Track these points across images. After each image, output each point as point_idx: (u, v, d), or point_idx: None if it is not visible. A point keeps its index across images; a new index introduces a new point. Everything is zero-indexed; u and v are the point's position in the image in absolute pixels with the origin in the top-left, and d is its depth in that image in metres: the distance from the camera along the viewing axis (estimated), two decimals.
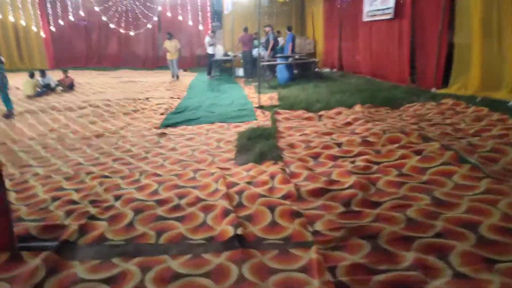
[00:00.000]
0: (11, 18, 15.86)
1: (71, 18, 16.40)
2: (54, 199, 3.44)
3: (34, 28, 16.18)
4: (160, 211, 3.10)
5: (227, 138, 5.23)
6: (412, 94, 7.52)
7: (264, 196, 3.22)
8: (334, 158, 4.08)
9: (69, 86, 10.82)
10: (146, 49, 17.63)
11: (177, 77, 12.64)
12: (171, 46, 12.43)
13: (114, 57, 17.51)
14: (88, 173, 4.06)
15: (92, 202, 3.31)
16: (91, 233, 2.78)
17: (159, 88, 10.69)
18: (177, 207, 3.16)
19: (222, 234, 2.66)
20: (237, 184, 3.55)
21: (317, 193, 3.19)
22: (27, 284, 2.15)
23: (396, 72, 9.31)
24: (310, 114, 6.25)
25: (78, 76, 13.08)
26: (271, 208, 2.98)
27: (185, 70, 15.39)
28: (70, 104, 8.42)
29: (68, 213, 3.12)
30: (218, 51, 13.63)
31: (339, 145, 4.47)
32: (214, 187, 3.53)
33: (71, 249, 2.56)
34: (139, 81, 12.45)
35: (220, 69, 13.87)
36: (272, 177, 3.59)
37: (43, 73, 10.79)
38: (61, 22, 16.54)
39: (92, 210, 3.13)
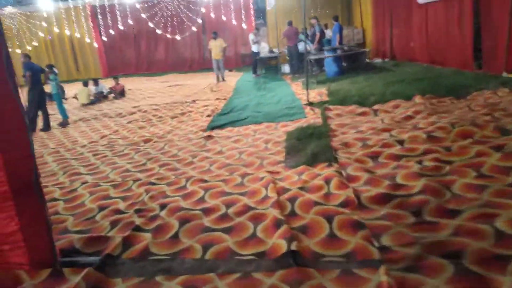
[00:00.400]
0: (67, 32, 16.78)
1: (120, 27, 16.98)
2: (101, 208, 3.35)
3: (87, 40, 16.99)
4: (206, 221, 2.88)
5: (275, 138, 4.94)
6: (479, 80, 6.73)
7: (319, 203, 2.89)
8: (397, 157, 3.63)
9: (120, 93, 11.12)
10: (192, 52, 17.81)
11: (223, 78, 12.40)
12: (216, 46, 12.17)
13: (162, 62, 17.90)
14: (135, 180, 3.97)
15: (138, 212, 3.18)
16: (135, 246, 2.62)
17: (205, 90, 10.65)
18: (224, 217, 2.92)
19: (274, 249, 2.37)
20: (289, 190, 3.24)
21: (381, 199, 2.79)
22: None
23: (458, 57, 8.46)
24: (364, 109, 5.77)
25: (129, 83, 13.48)
26: (328, 218, 2.64)
27: (230, 70, 15.32)
28: (120, 110, 8.59)
29: (114, 224, 3.01)
30: (263, 49, 13.37)
31: (400, 142, 3.99)
32: (263, 193, 3.25)
33: (114, 264, 2.41)
34: (186, 84, 12.54)
35: (266, 67, 13.61)
36: (327, 181, 3.24)
37: (96, 82, 11.21)
38: (111, 32, 17.19)
39: (137, 221, 2.98)
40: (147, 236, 2.75)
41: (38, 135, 7.00)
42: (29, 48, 16.36)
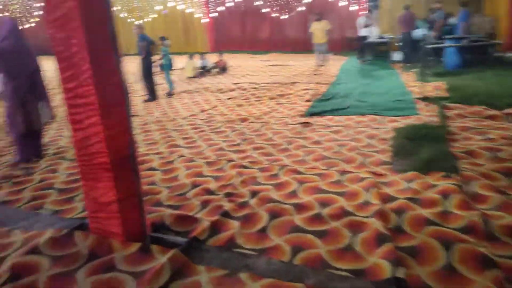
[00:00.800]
0: (180, 6, 17.70)
1: (229, 4, 17.29)
2: (193, 185, 3.34)
3: (198, 15, 17.72)
4: (298, 219, 2.64)
5: (381, 134, 4.44)
6: None
7: (434, 223, 2.43)
8: None
9: (223, 68, 11.38)
10: (297, 32, 17.43)
11: (325, 63, 11.73)
12: (319, 29, 11.45)
13: (266, 40, 17.91)
14: (228, 161, 3.90)
15: (228, 195, 3.08)
16: (222, 234, 2.50)
17: (307, 73, 10.30)
18: (317, 218, 2.64)
19: (374, 270, 2.03)
20: (395, 198, 2.82)
21: None
22: (151, 284, 1.96)
23: None
24: (494, 112, 4.86)
25: (232, 59, 13.73)
26: (446, 244, 2.18)
27: (334, 54, 14.62)
28: (221, 86, 8.75)
29: (204, 204, 2.95)
30: (372, 33, 12.39)
31: None
32: (364, 197, 2.88)
33: (199, 249, 2.32)
34: (287, 65, 12.31)
35: (374, 53, 12.63)
36: (445, 196, 2.73)
37: (202, 56, 11.62)
38: (221, 8, 17.62)
39: (227, 205, 2.87)
40: (235, 224, 2.61)
41: (147, 103, 7.47)
42: (147, 20, 17.67)
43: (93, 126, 2.18)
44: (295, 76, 9.76)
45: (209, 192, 3.19)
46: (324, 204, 2.83)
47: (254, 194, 3.08)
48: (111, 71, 2.16)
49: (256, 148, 4.27)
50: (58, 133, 5.37)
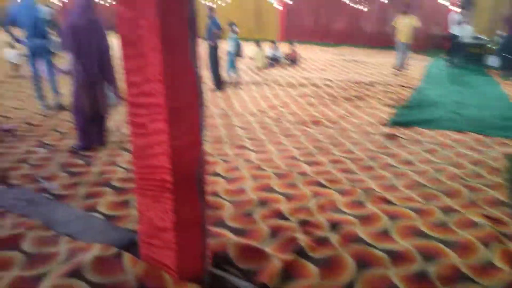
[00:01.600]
0: None
1: None
2: (261, 203, 2.85)
3: (272, 1, 17.12)
4: (395, 276, 2.04)
5: (489, 161, 3.62)
6: None
7: None
8: None
9: (292, 60, 10.75)
10: (375, 26, 16.20)
11: (405, 66, 10.08)
12: (405, 24, 9.87)
13: (339, 32, 16.89)
14: (301, 174, 3.36)
15: (303, 224, 2.55)
16: (297, 282, 1.98)
17: (385, 72, 9.35)
18: (423, 278, 2.01)
19: None
20: None
21: None
22: None
23: None
24: None
25: (302, 50, 13.01)
26: None
27: (415, 53, 13.29)
28: (291, 80, 8.16)
29: (274, 232, 2.46)
30: (465, 32, 10.95)
31: None
32: (483, 255, 2.19)
33: None
34: (363, 61, 11.36)
35: (464, 56, 11.20)
36: None
37: (274, 45, 11.00)
38: None
39: (302, 239, 2.35)
40: (314, 270, 2.08)
41: (213, 94, 7.12)
42: (220, 3, 17.43)
43: (158, 133, 1.73)
44: (373, 75, 8.89)
45: (279, 215, 2.68)
46: (428, 257, 2.19)
47: (334, 226, 2.53)
48: (186, 66, 1.68)
49: (333, 161, 3.68)
50: (124, 118, 5.16)
